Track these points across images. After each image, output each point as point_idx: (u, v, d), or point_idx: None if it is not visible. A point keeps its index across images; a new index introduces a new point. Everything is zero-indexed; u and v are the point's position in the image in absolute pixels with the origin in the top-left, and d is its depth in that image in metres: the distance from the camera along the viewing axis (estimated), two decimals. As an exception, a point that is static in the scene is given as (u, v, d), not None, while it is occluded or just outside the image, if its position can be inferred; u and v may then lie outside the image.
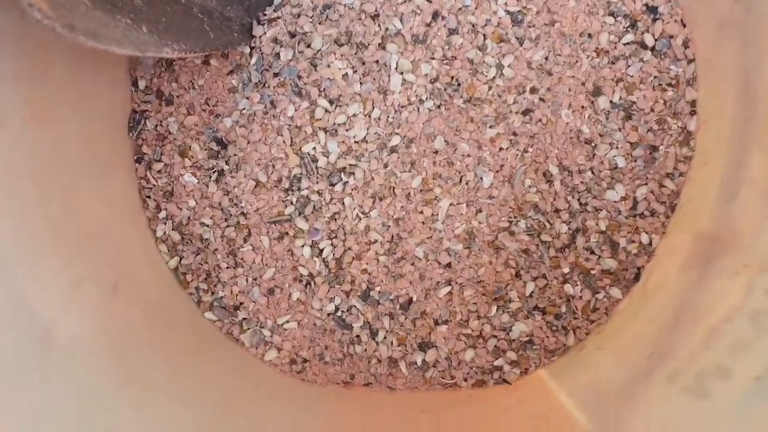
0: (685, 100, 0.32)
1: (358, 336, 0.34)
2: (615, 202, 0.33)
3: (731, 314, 0.24)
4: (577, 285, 0.33)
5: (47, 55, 0.27)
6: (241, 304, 0.33)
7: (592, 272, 0.33)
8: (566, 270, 0.33)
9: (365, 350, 0.33)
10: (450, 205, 0.33)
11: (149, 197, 0.34)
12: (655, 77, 0.33)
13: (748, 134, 0.28)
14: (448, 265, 0.33)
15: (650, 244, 0.33)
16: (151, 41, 0.28)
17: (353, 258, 0.33)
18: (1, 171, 0.25)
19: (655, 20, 0.32)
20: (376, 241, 0.33)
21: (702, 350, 0.25)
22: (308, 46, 0.33)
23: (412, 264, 0.33)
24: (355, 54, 0.33)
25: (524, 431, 0.27)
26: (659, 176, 0.33)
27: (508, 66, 0.33)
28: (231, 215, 0.34)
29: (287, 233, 0.33)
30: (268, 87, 0.34)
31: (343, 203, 0.33)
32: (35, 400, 0.22)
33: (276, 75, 0.34)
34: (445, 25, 0.33)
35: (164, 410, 0.27)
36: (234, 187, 0.34)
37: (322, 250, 0.33)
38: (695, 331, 0.26)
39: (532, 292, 0.33)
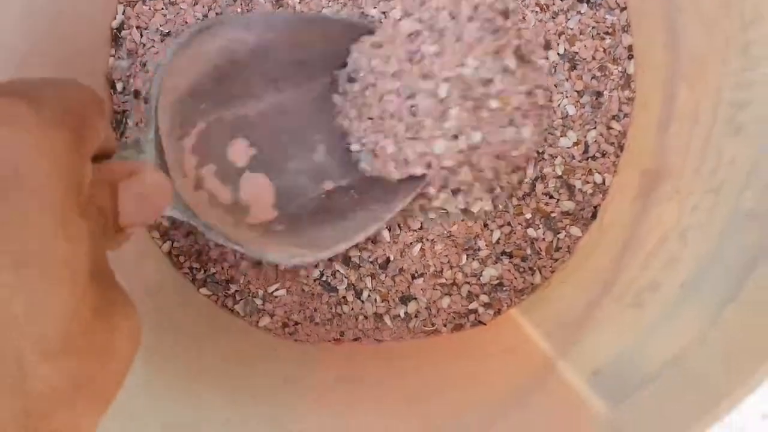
0: (623, 46, 0.35)
1: (344, 297, 0.36)
2: (568, 148, 0.36)
3: (665, 235, 0.27)
4: (539, 228, 0.36)
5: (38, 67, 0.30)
6: (232, 277, 0.36)
7: (553, 215, 0.35)
8: (528, 216, 0.36)
9: (352, 309, 0.36)
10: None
11: (138, 190, 0.37)
12: (593, 27, 0.35)
13: (676, 72, 0.31)
14: (420, 226, 0.36)
15: (603, 183, 0.35)
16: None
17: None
18: None
19: (587, -26, 0.35)
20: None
21: (641, 271, 0.27)
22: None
23: (387, 229, 0.36)
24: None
25: (495, 363, 0.30)
26: (606, 119, 0.35)
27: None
28: (215, 198, 0.36)
29: (269, 209, 0.36)
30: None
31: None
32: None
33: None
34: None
35: (172, 377, 0.30)
36: (215, 172, 0.36)
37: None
38: (638, 256, 0.28)
39: (499, 239, 0.36)
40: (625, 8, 0.34)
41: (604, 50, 0.35)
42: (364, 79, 0.34)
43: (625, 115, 0.35)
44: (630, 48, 0.35)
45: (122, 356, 0.15)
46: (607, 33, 0.35)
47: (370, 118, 0.33)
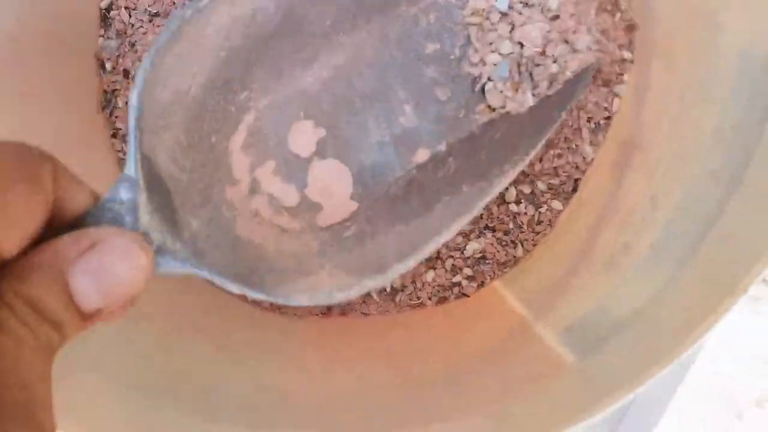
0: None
1: (331, 272, 0.37)
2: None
3: (637, 200, 0.28)
4: (521, 203, 0.36)
5: (27, 44, 0.31)
6: (220, 252, 0.37)
7: (534, 191, 0.36)
8: (512, 192, 0.36)
9: (339, 283, 0.37)
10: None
11: (128, 168, 0.38)
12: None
13: (649, 43, 0.32)
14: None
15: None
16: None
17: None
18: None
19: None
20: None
21: (616, 236, 0.28)
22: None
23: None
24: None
25: (477, 328, 0.31)
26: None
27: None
28: (204, 176, 0.37)
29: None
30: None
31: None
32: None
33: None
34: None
35: (167, 345, 0.30)
36: (203, 149, 0.37)
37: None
38: (613, 222, 0.29)
39: (481, 213, 0.36)
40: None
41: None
42: None
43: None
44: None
45: None
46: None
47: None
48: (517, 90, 0.28)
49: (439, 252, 0.36)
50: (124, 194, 0.17)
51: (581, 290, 0.27)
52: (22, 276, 0.14)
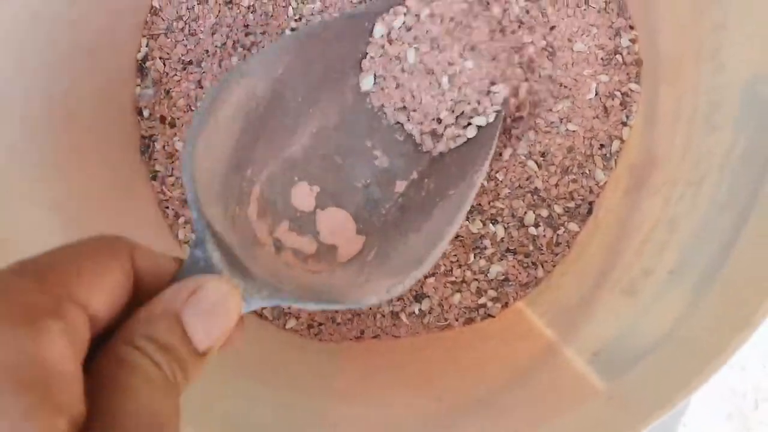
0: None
1: (362, 298, 0.39)
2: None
3: (655, 225, 0.30)
4: (540, 226, 0.38)
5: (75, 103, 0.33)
6: (259, 284, 0.39)
7: (552, 214, 0.38)
8: (530, 216, 0.39)
9: (370, 309, 0.39)
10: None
11: (168, 207, 0.40)
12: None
13: (655, 75, 0.34)
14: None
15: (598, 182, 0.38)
16: None
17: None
18: (37, 202, 0.31)
19: None
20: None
21: (635, 258, 0.30)
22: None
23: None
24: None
25: (505, 350, 0.33)
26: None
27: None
28: (239, 212, 0.39)
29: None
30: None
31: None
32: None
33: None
34: None
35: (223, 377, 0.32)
36: (238, 188, 0.39)
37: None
38: (631, 245, 0.31)
39: (503, 237, 0.38)
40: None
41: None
42: (395, 45, 0.34)
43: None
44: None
45: None
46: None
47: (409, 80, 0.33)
48: (438, 140, 0.34)
49: (464, 276, 0.38)
50: (200, 254, 0.19)
51: (604, 313, 0.29)
52: (146, 322, 0.16)
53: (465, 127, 0.34)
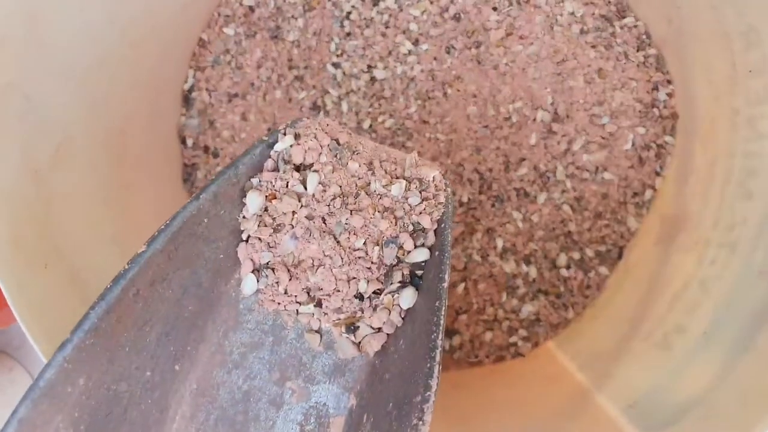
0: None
1: (394, 330, 0.40)
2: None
3: (687, 282, 0.31)
4: (571, 268, 0.40)
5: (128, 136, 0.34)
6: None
7: (583, 257, 0.39)
8: (563, 258, 0.40)
9: (402, 341, 0.40)
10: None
11: (209, 236, 0.41)
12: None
13: (690, 130, 0.35)
14: (465, 267, 0.40)
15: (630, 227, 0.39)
16: None
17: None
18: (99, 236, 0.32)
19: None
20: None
21: (667, 312, 0.31)
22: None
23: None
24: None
25: (536, 391, 0.34)
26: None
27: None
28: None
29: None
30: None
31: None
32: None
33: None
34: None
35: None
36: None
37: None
38: (662, 298, 0.32)
39: (535, 278, 0.40)
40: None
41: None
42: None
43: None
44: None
45: None
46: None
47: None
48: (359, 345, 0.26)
49: (496, 314, 0.40)
50: None
51: (638, 364, 0.30)
52: None
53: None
